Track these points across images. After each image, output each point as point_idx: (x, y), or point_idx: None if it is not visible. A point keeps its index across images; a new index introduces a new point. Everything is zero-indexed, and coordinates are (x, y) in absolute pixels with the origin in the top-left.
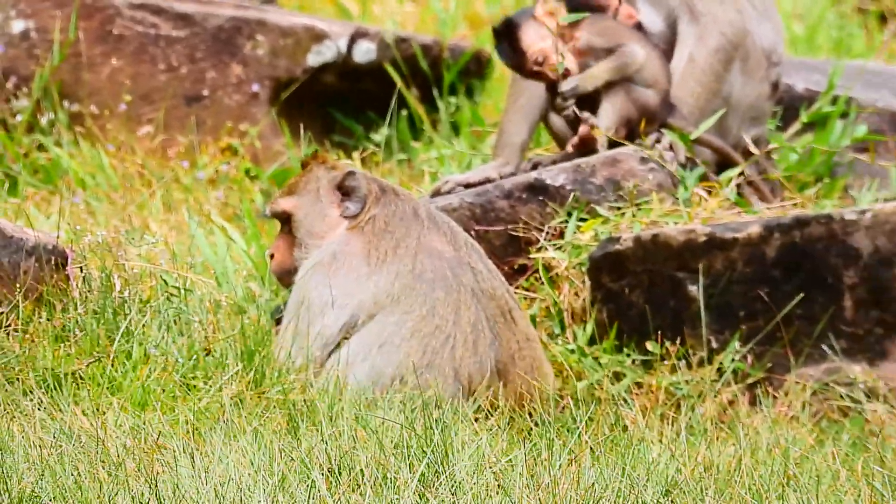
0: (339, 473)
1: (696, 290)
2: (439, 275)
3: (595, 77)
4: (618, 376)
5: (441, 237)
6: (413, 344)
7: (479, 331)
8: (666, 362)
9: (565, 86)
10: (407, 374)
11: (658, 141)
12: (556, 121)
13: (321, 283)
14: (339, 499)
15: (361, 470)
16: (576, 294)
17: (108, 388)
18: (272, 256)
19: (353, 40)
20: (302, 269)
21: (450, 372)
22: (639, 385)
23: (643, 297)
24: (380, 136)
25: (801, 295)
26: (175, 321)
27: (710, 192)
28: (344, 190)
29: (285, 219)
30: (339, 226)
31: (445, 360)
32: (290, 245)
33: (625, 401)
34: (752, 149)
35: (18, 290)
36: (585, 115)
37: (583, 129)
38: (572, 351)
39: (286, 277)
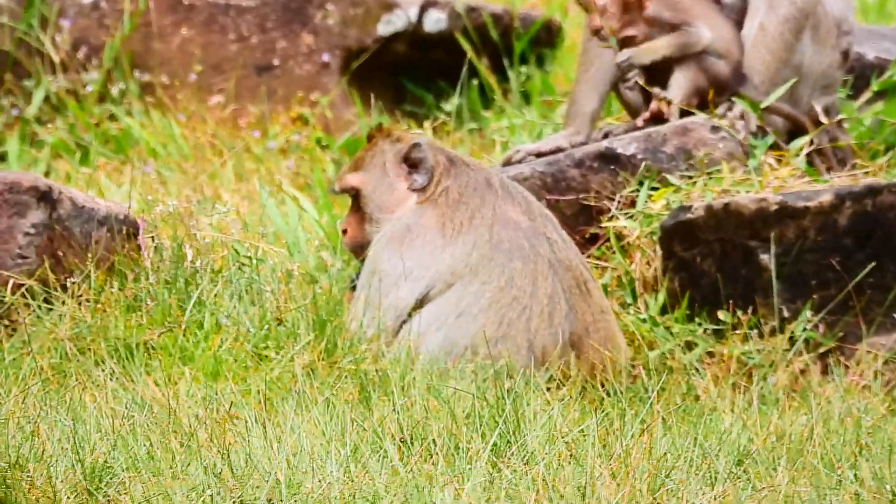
0: (411, 443)
1: (767, 259)
2: (516, 245)
3: (653, 51)
4: (689, 345)
5: (516, 207)
6: (490, 315)
7: (554, 302)
8: (738, 331)
9: (620, 57)
10: (480, 345)
11: (729, 109)
12: (627, 91)
13: (394, 255)
14: (411, 469)
15: (433, 440)
16: (647, 263)
17: (179, 357)
18: (345, 231)
19: (423, 9)
20: (374, 241)
21: (524, 343)
22: (710, 354)
23: (715, 265)
24: (450, 105)
25: (873, 263)
26: (247, 291)
27: (780, 161)
28: (410, 162)
29: (354, 194)
30: (409, 199)
31: (520, 332)
32: (361, 220)
33: (696, 370)
34: (823, 118)
35: (90, 259)
36: (656, 89)
37: (653, 104)
38: (644, 320)
39: (359, 251)
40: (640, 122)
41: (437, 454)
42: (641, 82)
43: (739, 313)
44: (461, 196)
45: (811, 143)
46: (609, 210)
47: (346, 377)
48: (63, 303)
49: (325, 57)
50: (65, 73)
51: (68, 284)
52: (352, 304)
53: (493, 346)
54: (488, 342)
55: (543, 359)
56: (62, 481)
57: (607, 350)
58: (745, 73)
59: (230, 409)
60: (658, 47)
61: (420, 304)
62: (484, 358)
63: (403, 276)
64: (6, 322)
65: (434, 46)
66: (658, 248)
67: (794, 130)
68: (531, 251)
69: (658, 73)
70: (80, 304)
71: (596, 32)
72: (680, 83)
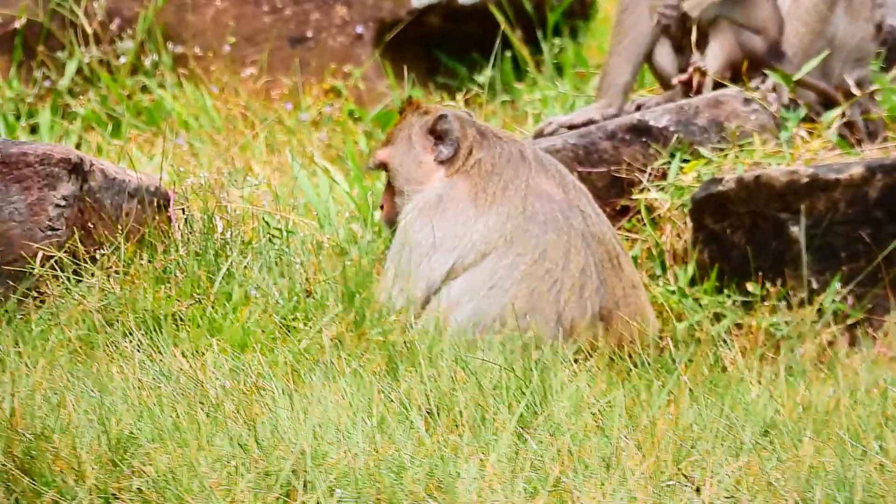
0: (438, 414)
1: (797, 231)
2: (550, 217)
3: (701, 3)
4: (718, 317)
5: (550, 179)
6: (522, 287)
7: (586, 276)
8: (766, 303)
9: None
10: (509, 317)
11: (762, 82)
12: (660, 61)
13: (425, 225)
14: (438, 440)
15: (460, 411)
16: (678, 235)
17: (207, 329)
18: (382, 208)
19: None
20: (404, 213)
21: (552, 316)
22: (739, 326)
23: (745, 238)
24: (483, 77)
25: None
26: (276, 263)
27: (811, 134)
28: (437, 134)
29: (385, 169)
30: (436, 172)
31: (550, 305)
32: (393, 195)
33: (724, 341)
34: (855, 90)
35: (120, 231)
36: (694, 58)
37: (690, 71)
38: (673, 292)
39: (394, 226)
40: (675, 80)
41: (463, 425)
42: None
43: (768, 285)
44: (494, 167)
45: (843, 115)
46: (640, 182)
47: (373, 348)
48: (92, 275)
49: (359, 29)
50: (98, 44)
51: (98, 256)
52: (382, 275)
53: (522, 319)
54: (517, 315)
55: (572, 332)
56: (87, 452)
57: (636, 323)
58: (784, 52)
59: (257, 380)
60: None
61: (451, 274)
62: (512, 330)
63: (434, 247)
64: (35, 294)
65: (468, 18)
66: (688, 220)
67: (827, 103)
68: (565, 224)
69: (698, 46)
70: (109, 275)
71: None
72: (716, 54)
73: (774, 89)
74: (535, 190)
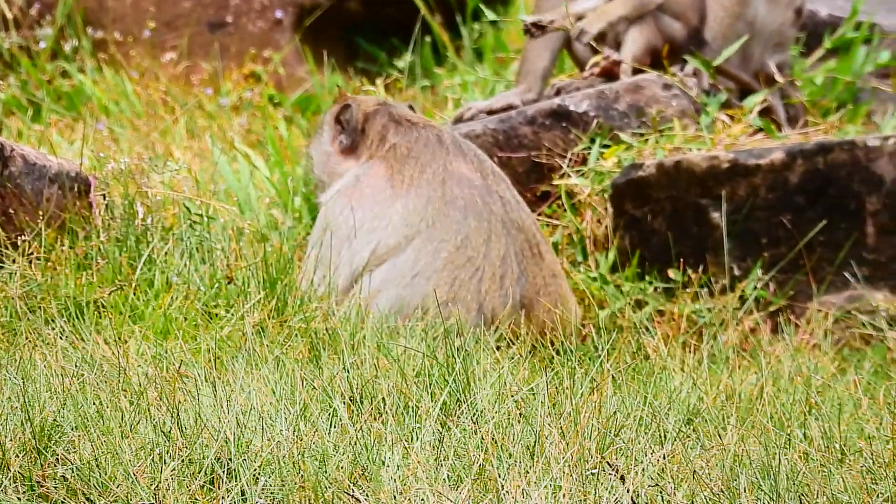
0: (361, 402)
1: (718, 217)
2: (470, 202)
3: (606, 17)
4: (640, 304)
5: (468, 164)
6: (444, 276)
7: (507, 265)
8: (688, 290)
9: (573, 32)
10: (430, 306)
11: (681, 69)
12: (579, 47)
13: (345, 207)
14: (361, 427)
15: (383, 398)
16: (598, 221)
17: (130, 316)
18: None
19: None
20: (324, 198)
21: (474, 305)
22: (661, 313)
23: (665, 223)
24: (403, 62)
25: (824, 222)
26: (197, 249)
27: (733, 119)
28: (342, 123)
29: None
30: (345, 160)
31: (471, 293)
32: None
33: (647, 329)
34: (777, 76)
35: (41, 217)
36: (607, 51)
37: (604, 62)
38: (594, 279)
39: None
40: (585, 74)
41: (386, 413)
42: (594, 44)
43: (690, 272)
44: (409, 151)
45: (763, 101)
46: (560, 167)
47: (296, 336)
48: (13, 261)
49: (278, 14)
50: (17, 29)
51: (19, 242)
52: (303, 261)
53: (443, 308)
54: (439, 304)
55: (493, 321)
56: (11, 440)
57: (558, 311)
58: (705, 39)
59: (180, 367)
60: (611, 11)
61: (373, 259)
62: (434, 318)
63: (354, 230)
64: None
65: (387, 3)
66: (609, 205)
67: (745, 91)
68: (485, 210)
69: (614, 30)
70: (30, 262)
71: None
72: (635, 40)
73: (695, 74)
74: (453, 174)
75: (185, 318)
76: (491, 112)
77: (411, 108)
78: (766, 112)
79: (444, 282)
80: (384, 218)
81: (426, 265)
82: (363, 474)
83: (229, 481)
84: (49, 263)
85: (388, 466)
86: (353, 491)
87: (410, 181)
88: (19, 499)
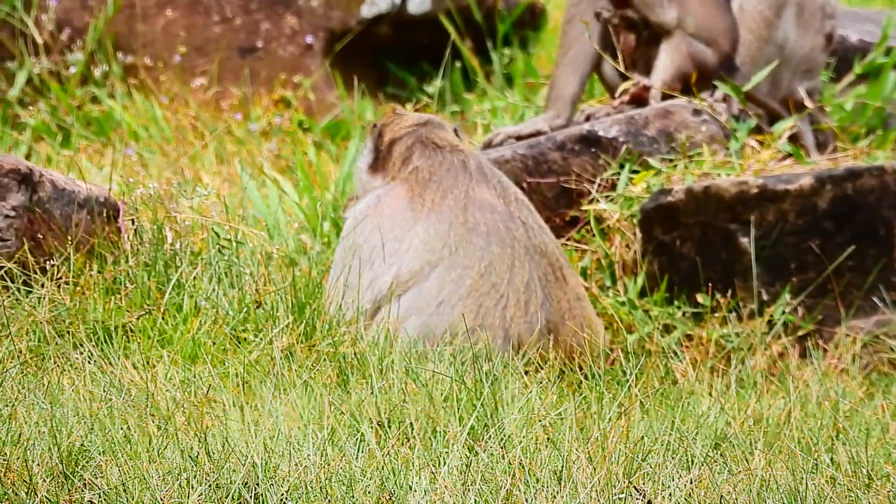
0: (389, 427)
1: (747, 242)
2: (493, 228)
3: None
4: (668, 329)
5: (491, 190)
6: (469, 303)
7: (531, 290)
8: (716, 315)
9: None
10: (457, 332)
11: (711, 94)
12: (608, 72)
13: (366, 226)
14: (389, 452)
15: (411, 423)
16: (627, 246)
17: (158, 341)
18: None
19: None
20: (347, 213)
21: (500, 332)
22: (689, 338)
23: (694, 249)
24: (433, 87)
25: (853, 247)
26: (226, 274)
27: (762, 144)
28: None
29: None
30: (372, 180)
31: (497, 320)
32: None
33: (675, 353)
34: (808, 102)
35: (70, 242)
36: (636, 77)
37: (634, 88)
38: (623, 303)
39: None
40: (616, 103)
41: (414, 438)
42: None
43: (718, 296)
44: (431, 175)
45: (793, 126)
46: (589, 193)
47: (324, 360)
48: (42, 285)
49: (309, 39)
50: (48, 54)
51: (48, 267)
52: (328, 283)
53: (471, 335)
54: (468, 330)
55: (519, 347)
56: (38, 465)
57: (585, 335)
58: (736, 66)
59: (208, 392)
60: None
61: (397, 284)
62: (462, 343)
63: (377, 250)
64: None
65: (417, 28)
66: (638, 231)
67: (773, 118)
68: (507, 235)
69: (645, 56)
70: (59, 286)
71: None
72: (665, 66)
73: (724, 100)
74: (475, 200)
75: (214, 343)
76: (520, 137)
77: (456, 131)
78: (794, 138)
79: (469, 309)
80: (404, 241)
81: (451, 293)
82: (390, 499)
83: None
84: (77, 288)
85: (416, 491)
86: None
87: (431, 205)
88: None
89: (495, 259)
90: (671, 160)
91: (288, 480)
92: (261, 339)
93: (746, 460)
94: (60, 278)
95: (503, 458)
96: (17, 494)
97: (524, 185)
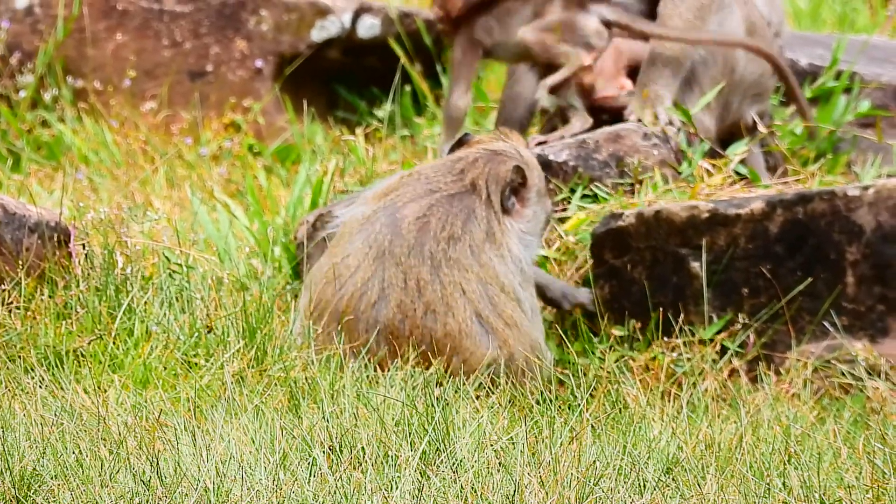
0: (341, 451)
1: (698, 267)
2: (379, 235)
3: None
4: (619, 353)
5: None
6: (323, 280)
7: (368, 286)
8: (668, 339)
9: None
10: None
11: (657, 117)
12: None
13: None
14: (340, 476)
15: (363, 447)
16: (577, 270)
17: (109, 365)
18: None
19: (356, 15)
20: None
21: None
22: (639, 362)
23: (645, 273)
24: (383, 111)
25: (804, 272)
26: (177, 298)
27: (715, 167)
28: None
29: None
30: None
31: (333, 301)
32: None
33: (626, 378)
34: (760, 126)
35: (20, 266)
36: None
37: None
38: (574, 327)
39: None
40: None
41: (366, 462)
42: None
43: (670, 321)
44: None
45: (747, 150)
46: None
47: (275, 384)
48: None
49: (258, 63)
50: None
51: None
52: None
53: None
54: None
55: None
56: None
57: (535, 358)
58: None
59: (159, 416)
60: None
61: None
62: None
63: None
64: None
65: (367, 53)
66: (589, 255)
67: (727, 138)
68: (383, 241)
69: None
70: (9, 311)
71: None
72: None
73: (671, 122)
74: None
75: (165, 368)
76: None
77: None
78: (744, 161)
79: (322, 285)
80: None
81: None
82: None
83: None
84: (28, 313)
85: None
86: None
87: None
88: None
89: (356, 251)
90: (622, 184)
91: None
92: (212, 363)
93: (699, 485)
94: (11, 303)
95: (455, 483)
96: None
97: None
